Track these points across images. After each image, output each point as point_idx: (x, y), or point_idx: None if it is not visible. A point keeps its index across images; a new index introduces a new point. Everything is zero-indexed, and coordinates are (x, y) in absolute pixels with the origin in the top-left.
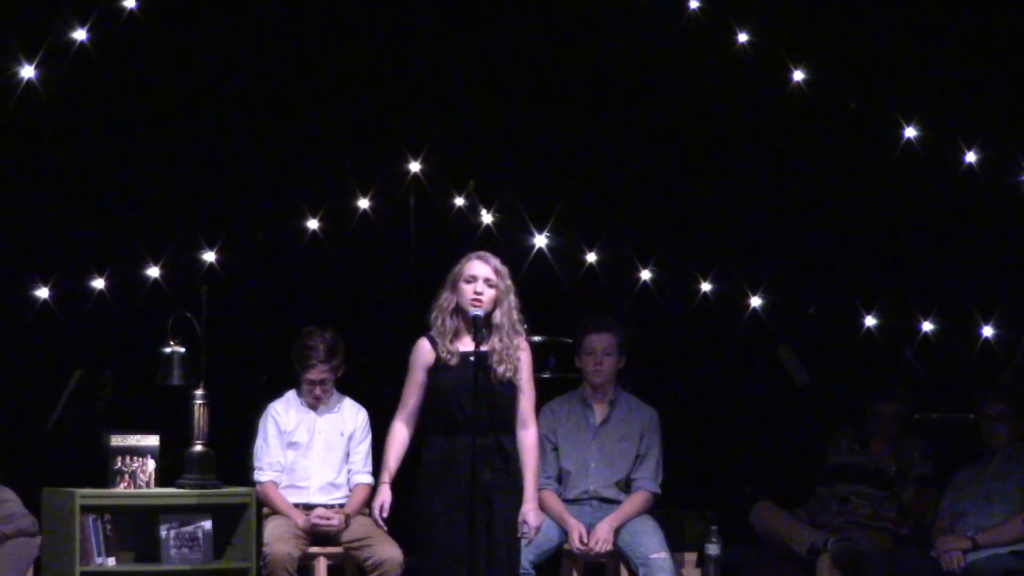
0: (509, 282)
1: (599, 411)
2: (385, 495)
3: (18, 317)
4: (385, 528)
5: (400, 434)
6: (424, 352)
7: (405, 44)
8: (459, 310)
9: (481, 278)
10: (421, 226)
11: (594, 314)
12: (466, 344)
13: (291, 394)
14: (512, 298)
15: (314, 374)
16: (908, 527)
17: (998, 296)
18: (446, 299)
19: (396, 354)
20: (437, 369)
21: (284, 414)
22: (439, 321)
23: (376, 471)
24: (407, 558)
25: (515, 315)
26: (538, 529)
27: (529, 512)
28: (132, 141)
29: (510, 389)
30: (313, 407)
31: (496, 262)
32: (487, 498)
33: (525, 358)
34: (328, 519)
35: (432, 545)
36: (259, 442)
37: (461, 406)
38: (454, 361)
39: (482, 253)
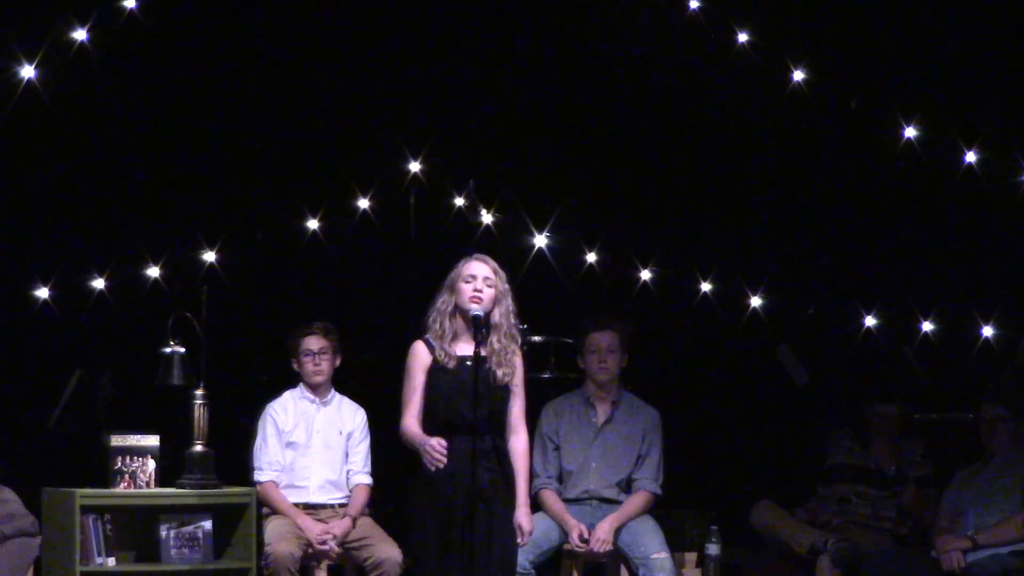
0: (507, 285)
1: (602, 411)
2: (433, 439)
3: (18, 317)
4: (444, 462)
5: (415, 424)
6: (422, 355)
7: (405, 44)
8: (457, 312)
9: (480, 277)
10: (421, 226)
11: (596, 312)
12: (463, 347)
13: (289, 394)
14: (509, 301)
15: (312, 342)
16: (908, 527)
17: (998, 296)
18: (444, 302)
19: (396, 354)
20: (434, 372)
21: (283, 414)
22: (437, 324)
23: (374, 472)
24: (406, 558)
25: (512, 319)
26: (531, 533)
27: (523, 517)
28: (132, 141)
29: (506, 393)
30: (314, 391)
31: (494, 263)
32: (485, 498)
33: (520, 366)
34: (325, 541)
35: (429, 546)
36: (258, 442)
37: (459, 409)
38: (452, 364)
39: (480, 255)
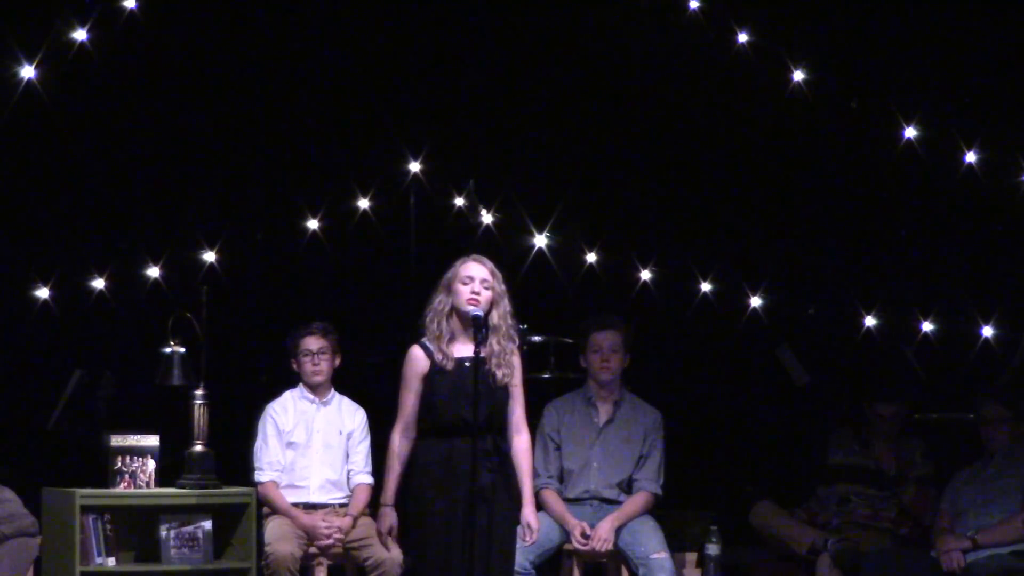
0: (504, 286)
1: (604, 411)
2: (391, 518)
3: (18, 317)
4: (390, 549)
5: (401, 451)
6: (418, 360)
7: (405, 44)
8: (454, 313)
9: (478, 279)
10: (421, 226)
11: (598, 312)
12: (461, 348)
13: (289, 394)
14: (506, 302)
15: (311, 342)
16: (908, 527)
17: (998, 296)
18: (441, 302)
19: (395, 354)
20: (433, 374)
21: (282, 414)
22: (434, 324)
23: (375, 471)
24: (406, 558)
25: (510, 320)
26: (538, 530)
27: (530, 515)
28: (132, 141)
29: (505, 393)
30: (313, 391)
31: (491, 264)
32: (485, 499)
33: (518, 364)
34: (328, 533)
35: (429, 546)
36: (259, 442)
37: (458, 410)
38: (450, 366)
39: (477, 256)
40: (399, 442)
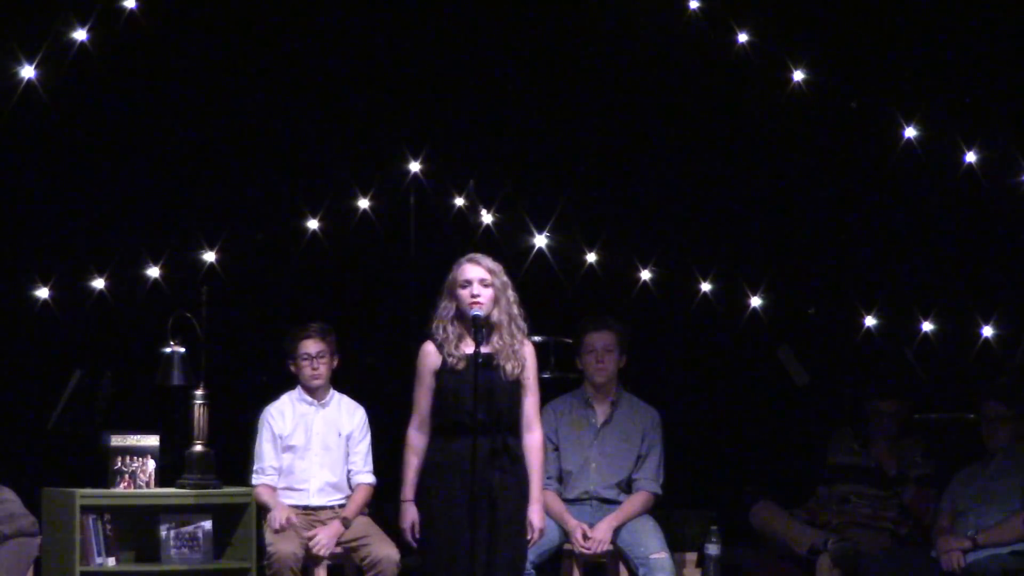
0: (505, 278)
1: (601, 411)
2: (412, 514)
3: (18, 317)
4: (415, 544)
5: (418, 447)
6: (431, 356)
7: (405, 44)
8: (460, 316)
9: (476, 280)
10: (421, 226)
11: (594, 312)
12: (471, 347)
13: (287, 396)
14: (510, 293)
15: (309, 345)
16: (908, 527)
17: (998, 296)
18: (445, 307)
19: (396, 354)
20: (444, 372)
21: (279, 418)
22: (441, 330)
23: (375, 470)
24: (404, 558)
25: (515, 310)
26: (542, 531)
27: (535, 514)
28: (132, 141)
29: (517, 388)
30: (312, 393)
31: (488, 261)
32: (494, 498)
33: (531, 358)
34: (320, 542)
35: (437, 546)
36: (256, 445)
37: (469, 408)
38: (461, 365)
39: (472, 255)
40: (415, 436)
